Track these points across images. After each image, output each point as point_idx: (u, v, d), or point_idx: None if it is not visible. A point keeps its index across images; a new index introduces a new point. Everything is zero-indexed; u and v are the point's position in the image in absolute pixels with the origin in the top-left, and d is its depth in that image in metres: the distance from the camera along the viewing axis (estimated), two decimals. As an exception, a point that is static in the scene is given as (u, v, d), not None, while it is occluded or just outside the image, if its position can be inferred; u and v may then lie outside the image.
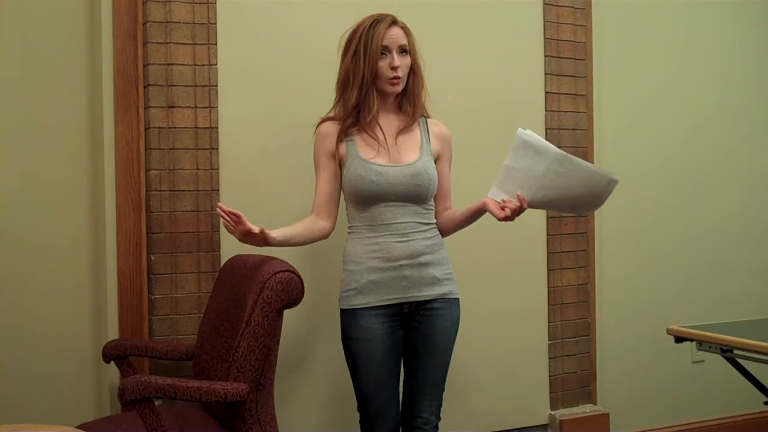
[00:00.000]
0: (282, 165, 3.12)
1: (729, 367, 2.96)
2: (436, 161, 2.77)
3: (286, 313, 2.59)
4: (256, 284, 2.48)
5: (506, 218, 2.56)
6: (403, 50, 2.67)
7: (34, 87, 3.03)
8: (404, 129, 2.74)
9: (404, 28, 2.70)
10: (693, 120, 4.05)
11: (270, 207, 3.09)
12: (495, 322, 3.52)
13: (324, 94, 2.80)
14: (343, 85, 2.71)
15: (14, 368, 2.98)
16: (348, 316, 2.69)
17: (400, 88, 2.70)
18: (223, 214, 2.45)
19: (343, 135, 2.69)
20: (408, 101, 2.76)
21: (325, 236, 2.74)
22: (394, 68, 2.65)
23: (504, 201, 2.57)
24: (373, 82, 2.68)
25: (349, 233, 2.75)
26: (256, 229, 2.46)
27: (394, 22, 2.67)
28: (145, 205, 2.99)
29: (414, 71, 2.73)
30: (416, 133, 2.76)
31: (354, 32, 2.69)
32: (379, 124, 2.70)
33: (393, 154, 2.69)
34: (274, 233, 2.54)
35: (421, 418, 2.70)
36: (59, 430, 2.30)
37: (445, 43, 3.42)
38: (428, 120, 2.82)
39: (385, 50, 2.65)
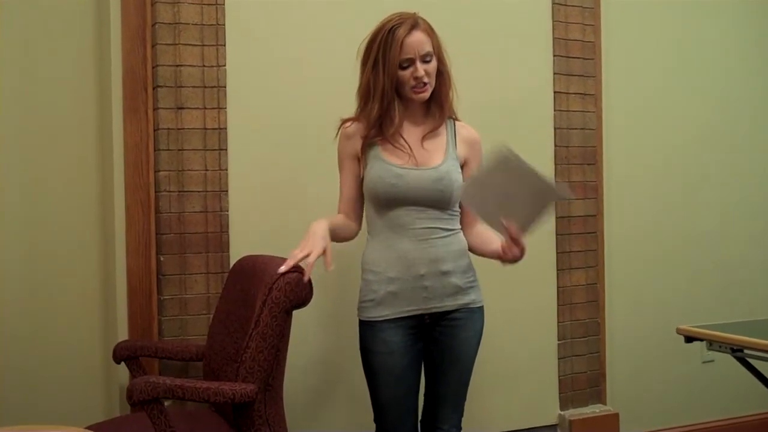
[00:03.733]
0: (290, 165, 3.13)
1: (739, 367, 2.94)
2: (463, 166, 2.66)
3: (299, 314, 2.59)
4: (264, 285, 2.47)
5: (513, 257, 2.49)
6: (427, 57, 2.52)
7: (42, 89, 3.04)
8: (430, 133, 2.62)
9: (427, 30, 2.54)
10: (701, 119, 4.04)
11: (279, 207, 3.10)
12: (504, 322, 3.51)
13: (332, 95, 2.80)
14: (365, 96, 2.57)
15: (24, 369, 3.00)
16: (366, 327, 2.61)
17: (427, 95, 2.57)
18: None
19: (366, 145, 2.59)
20: (436, 104, 2.62)
21: (354, 237, 2.68)
22: (417, 78, 2.52)
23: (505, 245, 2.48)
24: (396, 92, 2.55)
25: (368, 238, 2.67)
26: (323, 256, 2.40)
27: (414, 26, 2.50)
28: (154, 206, 3.00)
29: (441, 72, 2.59)
30: (442, 136, 2.65)
31: (373, 39, 2.53)
32: (402, 136, 2.58)
33: (418, 158, 2.58)
34: (325, 226, 2.46)
35: (443, 430, 2.67)
36: (68, 431, 2.31)
37: (454, 42, 3.38)
38: (456, 123, 2.70)
39: (408, 61, 2.50)
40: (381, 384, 2.61)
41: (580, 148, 3.66)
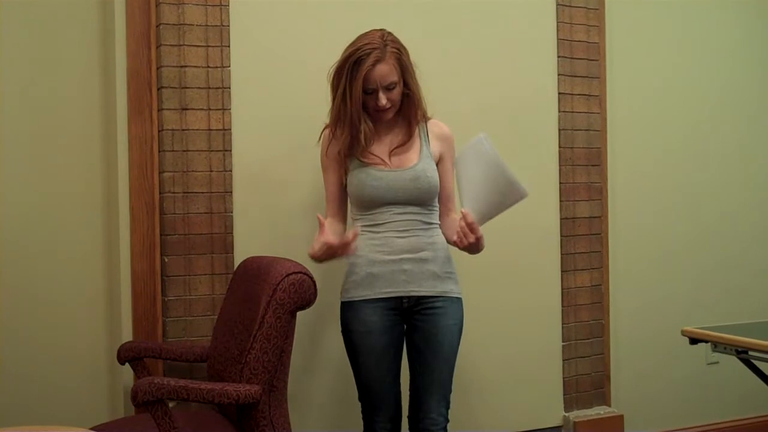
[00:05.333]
0: (295, 166, 3.13)
1: (744, 368, 2.94)
2: (438, 162, 2.78)
3: (303, 315, 2.59)
4: (268, 286, 2.48)
5: (469, 245, 2.57)
6: (390, 86, 2.64)
7: (47, 90, 3.04)
8: (400, 146, 2.74)
9: (392, 61, 2.63)
10: (707, 119, 4.03)
11: (283, 209, 3.10)
12: (509, 324, 3.51)
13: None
14: (335, 120, 2.71)
15: (29, 370, 3.00)
16: (347, 308, 2.73)
17: (389, 116, 2.71)
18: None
19: (342, 156, 2.72)
20: (404, 120, 2.76)
21: None
22: (378, 106, 2.65)
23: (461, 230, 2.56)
24: (364, 114, 2.68)
25: None
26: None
27: (379, 59, 2.60)
28: (158, 207, 3.00)
29: (408, 96, 2.71)
30: (415, 140, 2.76)
31: (341, 67, 2.65)
32: (371, 153, 2.71)
33: (393, 162, 2.72)
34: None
35: (430, 419, 2.70)
36: (73, 432, 2.31)
37: (459, 44, 3.42)
38: (428, 122, 2.82)
39: (371, 90, 2.63)
40: (361, 362, 2.72)
41: (584, 150, 3.66)
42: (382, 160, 2.71)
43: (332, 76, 2.70)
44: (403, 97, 2.71)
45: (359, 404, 2.80)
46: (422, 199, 2.70)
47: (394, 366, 2.74)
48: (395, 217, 2.68)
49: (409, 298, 2.70)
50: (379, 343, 2.69)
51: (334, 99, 2.70)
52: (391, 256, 2.67)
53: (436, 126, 2.82)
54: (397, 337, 2.73)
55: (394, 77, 2.64)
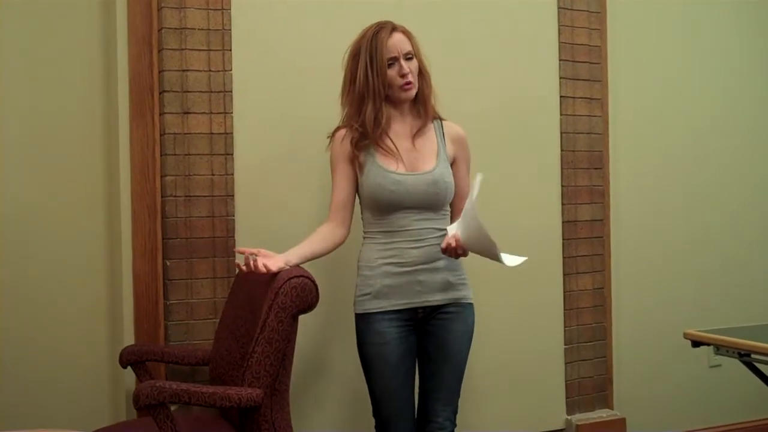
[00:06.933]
0: (297, 170, 3.13)
1: (746, 371, 2.93)
2: (453, 164, 2.77)
3: (301, 317, 2.59)
4: (270, 289, 2.48)
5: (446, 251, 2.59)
6: (409, 55, 2.67)
7: (49, 94, 3.04)
8: (419, 132, 2.74)
9: (405, 32, 2.70)
10: (708, 122, 4.03)
11: (284, 212, 3.10)
12: (511, 327, 3.51)
13: (338, 100, 2.80)
14: (358, 101, 2.68)
15: (30, 373, 3.00)
16: (362, 320, 2.70)
17: (413, 92, 2.70)
18: (245, 252, 2.55)
19: (360, 148, 2.68)
20: (420, 103, 2.75)
21: (341, 244, 2.74)
22: (404, 75, 2.65)
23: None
24: (386, 93, 2.68)
25: (364, 238, 2.76)
26: (275, 268, 2.51)
27: (393, 28, 2.67)
28: (160, 211, 3.00)
29: (421, 73, 2.73)
30: (432, 137, 2.76)
31: (358, 45, 2.69)
32: (389, 137, 2.69)
33: (410, 161, 2.69)
34: (292, 258, 2.59)
35: (436, 423, 2.69)
36: (75, 436, 2.31)
37: (460, 47, 3.42)
38: (444, 123, 2.82)
39: (392, 59, 2.65)
40: (377, 374, 2.69)
41: (586, 153, 3.66)
42: (398, 152, 2.67)
43: (348, 60, 2.72)
44: (418, 77, 2.73)
45: (362, 407, 2.80)
46: (438, 204, 2.71)
47: (409, 378, 2.72)
48: (411, 224, 2.66)
49: (424, 308, 2.69)
50: (395, 353, 2.66)
51: (353, 81, 2.69)
52: (405, 268, 2.66)
53: (450, 127, 2.82)
54: (411, 347, 2.71)
55: (410, 47, 2.68)
